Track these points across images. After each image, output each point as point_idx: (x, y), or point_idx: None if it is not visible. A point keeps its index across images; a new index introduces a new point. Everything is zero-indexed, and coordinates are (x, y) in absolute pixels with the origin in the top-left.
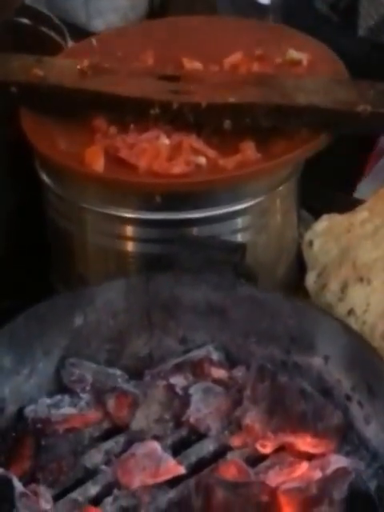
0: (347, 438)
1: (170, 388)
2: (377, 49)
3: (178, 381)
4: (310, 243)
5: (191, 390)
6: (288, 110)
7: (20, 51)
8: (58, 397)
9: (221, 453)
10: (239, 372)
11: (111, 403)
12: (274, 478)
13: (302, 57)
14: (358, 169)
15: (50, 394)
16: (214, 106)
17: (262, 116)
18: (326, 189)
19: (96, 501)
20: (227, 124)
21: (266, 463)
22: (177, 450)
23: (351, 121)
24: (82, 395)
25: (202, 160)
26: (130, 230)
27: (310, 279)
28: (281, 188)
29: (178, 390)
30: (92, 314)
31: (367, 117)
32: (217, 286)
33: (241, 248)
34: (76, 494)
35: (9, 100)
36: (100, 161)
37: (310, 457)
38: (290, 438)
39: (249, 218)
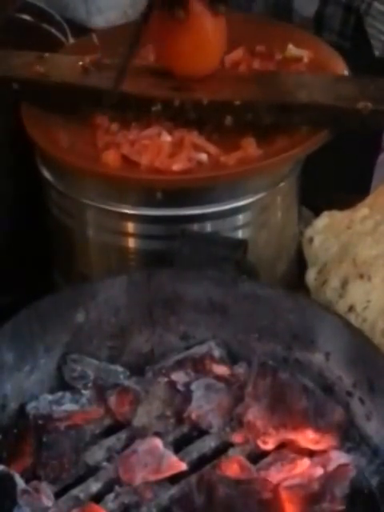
0: (348, 434)
1: (172, 384)
2: None
3: (180, 377)
4: (311, 240)
5: (193, 387)
6: (289, 107)
7: (21, 48)
8: (60, 393)
9: (222, 449)
10: (241, 368)
11: (113, 400)
12: (275, 475)
13: (303, 53)
14: (365, 167)
15: (52, 391)
16: (216, 102)
17: (263, 113)
18: (327, 186)
19: (97, 498)
20: (228, 121)
21: (268, 460)
22: (178, 446)
23: (352, 117)
24: (83, 392)
25: (204, 156)
26: (131, 227)
27: (311, 276)
28: (282, 184)
29: (180, 387)
30: (94, 311)
31: (368, 114)
32: (218, 282)
33: (243, 244)
34: (77, 491)
35: (10, 96)
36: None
37: (311, 453)
38: (291, 435)
39: (249, 214)
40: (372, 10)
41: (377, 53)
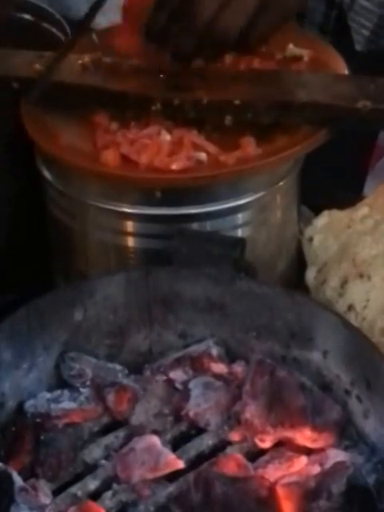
0: (346, 432)
1: (170, 383)
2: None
3: (178, 375)
4: (310, 239)
5: (191, 385)
6: (289, 106)
7: (21, 47)
8: (58, 391)
9: (220, 447)
10: (239, 367)
11: (111, 398)
12: (272, 473)
13: (303, 53)
14: (360, 166)
15: (50, 389)
16: (216, 102)
17: (263, 112)
18: (327, 185)
19: (95, 495)
20: (228, 120)
21: (265, 458)
22: (176, 444)
23: (351, 117)
24: (81, 390)
25: (203, 156)
26: (130, 225)
27: (310, 275)
28: (281, 183)
29: (178, 385)
30: (92, 309)
31: (367, 113)
32: (216, 280)
33: (240, 243)
34: (75, 489)
35: (10, 96)
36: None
37: (308, 451)
38: (289, 433)
39: (249, 213)
40: (355, 5)
41: (358, 47)
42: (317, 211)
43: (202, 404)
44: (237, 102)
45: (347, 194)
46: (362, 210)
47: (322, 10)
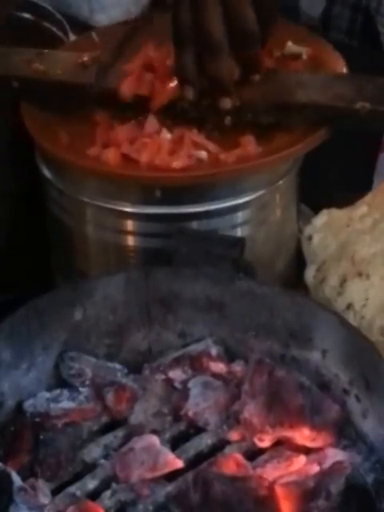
0: (345, 432)
1: (169, 382)
2: None
3: (177, 375)
4: (310, 238)
5: (190, 384)
6: (288, 107)
7: (21, 45)
8: (57, 391)
9: (219, 447)
10: (238, 366)
11: (110, 397)
12: (271, 472)
13: (302, 50)
14: (366, 164)
15: (49, 388)
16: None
17: (262, 113)
18: (326, 183)
19: (94, 495)
20: (228, 120)
21: (264, 457)
22: (175, 443)
23: (350, 118)
24: (81, 389)
25: (203, 154)
26: (130, 224)
27: (309, 274)
28: (281, 182)
29: (177, 384)
30: (91, 309)
31: (366, 114)
32: (216, 280)
33: (240, 242)
34: (74, 488)
35: (10, 94)
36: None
37: (307, 451)
38: (287, 432)
39: (249, 212)
40: (382, 8)
41: None
42: (316, 209)
43: (201, 403)
44: (237, 103)
45: (348, 193)
46: (360, 208)
47: (348, 15)
